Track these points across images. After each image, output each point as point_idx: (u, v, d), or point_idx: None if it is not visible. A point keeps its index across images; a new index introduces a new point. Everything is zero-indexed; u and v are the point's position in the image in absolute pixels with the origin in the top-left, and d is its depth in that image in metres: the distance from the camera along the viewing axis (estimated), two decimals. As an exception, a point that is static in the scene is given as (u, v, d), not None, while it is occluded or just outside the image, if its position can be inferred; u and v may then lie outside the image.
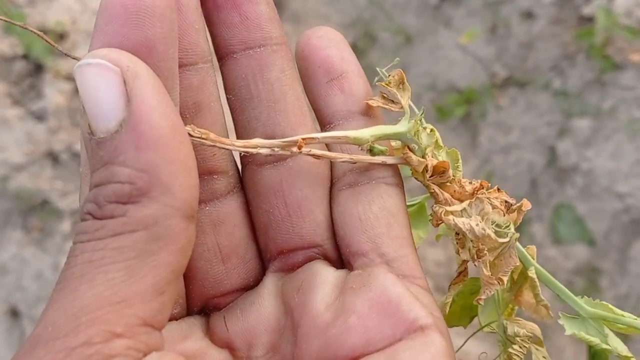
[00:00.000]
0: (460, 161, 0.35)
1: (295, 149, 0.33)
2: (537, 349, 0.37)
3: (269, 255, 0.36)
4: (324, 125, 0.37)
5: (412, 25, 1.63)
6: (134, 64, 0.28)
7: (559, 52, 1.54)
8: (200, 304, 0.36)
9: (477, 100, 1.56)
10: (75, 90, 1.39)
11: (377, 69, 0.37)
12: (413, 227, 0.36)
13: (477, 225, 0.33)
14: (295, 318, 0.33)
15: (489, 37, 1.59)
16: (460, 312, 0.39)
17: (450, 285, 0.36)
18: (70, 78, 1.48)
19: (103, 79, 0.27)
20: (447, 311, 0.36)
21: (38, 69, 1.49)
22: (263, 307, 0.35)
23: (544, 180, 1.49)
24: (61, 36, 1.49)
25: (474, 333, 0.40)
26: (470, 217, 0.33)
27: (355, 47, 1.63)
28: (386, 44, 1.61)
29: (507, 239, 0.33)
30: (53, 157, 1.44)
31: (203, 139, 0.31)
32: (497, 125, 1.53)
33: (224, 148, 0.32)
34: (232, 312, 0.35)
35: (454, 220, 0.33)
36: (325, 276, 0.34)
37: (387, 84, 0.36)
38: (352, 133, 0.34)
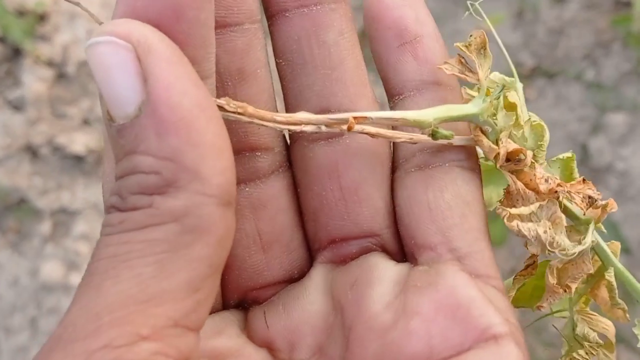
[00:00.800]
0: (546, 138, 0.33)
1: (344, 127, 0.32)
2: (606, 354, 0.35)
3: (318, 245, 0.36)
4: (392, 97, 0.36)
5: (430, 8, 1.61)
6: (146, 37, 0.26)
7: (592, 39, 1.54)
8: (237, 296, 0.36)
9: (502, 92, 1.56)
10: (57, 78, 1.43)
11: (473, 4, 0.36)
12: (484, 187, 0.35)
13: (545, 232, 0.32)
14: (347, 317, 0.32)
15: (515, 23, 1.61)
16: (531, 293, 0.37)
17: (515, 277, 0.35)
18: (51, 64, 1.48)
19: (115, 58, 0.26)
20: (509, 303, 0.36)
21: (16, 53, 1.49)
22: (309, 303, 0.34)
23: None
24: (42, 17, 1.49)
25: (541, 317, 0.39)
26: (539, 221, 0.32)
27: (365, 34, 1.67)
28: None
29: (582, 247, 0.32)
30: (32, 152, 1.45)
31: (239, 113, 0.30)
32: None
33: (262, 125, 0.31)
34: (273, 307, 0.35)
35: (518, 226, 0.32)
36: (384, 270, 0.33)
37: (466, 46, 0.34)
38: (411, 114, 0.33)
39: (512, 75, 0.34)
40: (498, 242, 1.40)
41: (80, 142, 1.43)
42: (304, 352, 0.33)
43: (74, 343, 0.23)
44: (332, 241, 0.35)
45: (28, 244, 1.38)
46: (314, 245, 0.36)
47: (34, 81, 1.46)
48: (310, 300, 0.34)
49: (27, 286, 1.34)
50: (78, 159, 1.43)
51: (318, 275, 0.35)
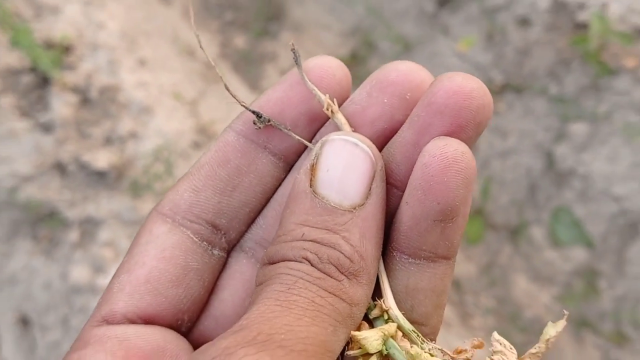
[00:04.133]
0: None
1: None
2: None
3: None
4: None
5: (410, 33, 1.60)
6: (382, 165, 0.33)
7: (554, 58, 1.53)
8: None
9: (475, 106, 1.53)
10: (82, 102, 1.43)
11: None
12: None
13: None
14: None
15: (485, 44, 1.57)
16: None
17: None
18: (76, 90, 1.47)
19: (358, 161, 0.32)
20: None
21: (45, 81, 1.50)
22: None
23: (542, 184, 1.48)
24: (67, 49, 1.49)
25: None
26: None
27: (355, 56, 1.65)
28: (385, 52, 1.60)
29: None
30: (61, 168, 1.44)
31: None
32: (495, 130, 1.51)
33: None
34: None
35: None
36: None
37: None
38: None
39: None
40: (475, 240, 1.41)
41: (103, 159, 1.42)
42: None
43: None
44: None
45: (59, 250, 1.37)
46: None
47: (62, 106, 1.46)
48: None
49: (59, 288, 1.34)
50: (101, 174, 1.42)
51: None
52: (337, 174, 0.32)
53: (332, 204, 0.32)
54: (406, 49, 1.61)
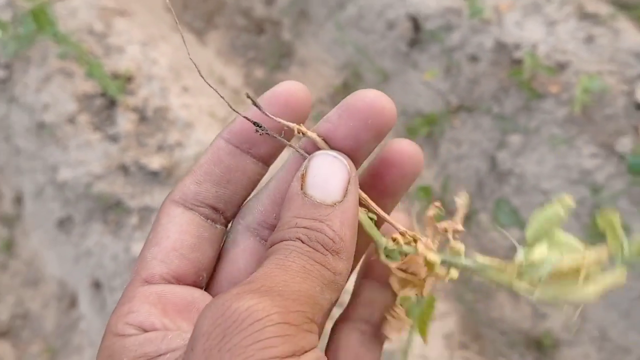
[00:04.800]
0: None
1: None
2: None
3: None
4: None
5: (388, 67, 1.73)
6: (355, 172, 0.36)
7: (497, 85, 1.61)
8: None
9: (437, 122, 1.65)
10: (140, 119, 1.52)
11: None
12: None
13: None
14: None
15: (445, 76, 1.68)
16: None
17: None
18: (136, 110, 1.55)
19: (337, 170, 0.35)
20: None
21: (112, 103, 1.61)
22: None
23: (487, 181, 1.59)
24: (129, 79, 1.60)
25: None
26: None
27: (346, 84, 1.78)
28: (370, 81, 1.73)
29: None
30: (124, 169, 1.53)
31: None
32: (452, 140, 1.62)
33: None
34: None
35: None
36: None
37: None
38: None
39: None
40: (437, 223, 1.61)
41: (156, 162, 1.51)
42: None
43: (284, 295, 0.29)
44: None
45: (123, 231, 1.48)
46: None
47: (125, 122, 1.56)
48: None
49: (123, 259, 1.45)
50: (155, 174, 1.52)
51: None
52: (322, 179, 0.34)
53: (317, 201, 0.34)
54: (385, 79, 1.60)
